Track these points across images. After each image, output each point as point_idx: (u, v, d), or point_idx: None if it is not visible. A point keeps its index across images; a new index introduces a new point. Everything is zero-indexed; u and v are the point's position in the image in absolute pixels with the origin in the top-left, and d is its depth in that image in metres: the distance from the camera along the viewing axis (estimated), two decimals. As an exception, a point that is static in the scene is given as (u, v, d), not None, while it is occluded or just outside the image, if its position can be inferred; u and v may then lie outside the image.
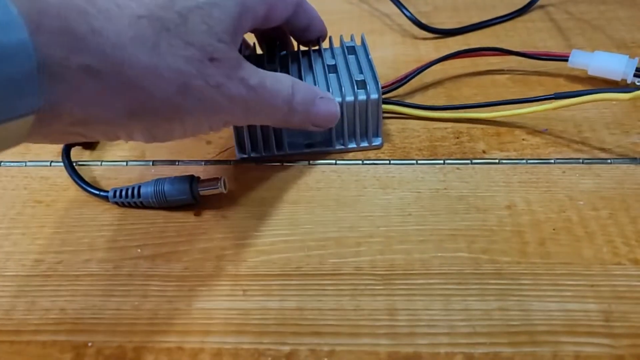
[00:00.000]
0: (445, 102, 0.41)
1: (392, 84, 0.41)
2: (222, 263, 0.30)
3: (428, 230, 0.31)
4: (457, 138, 0.37)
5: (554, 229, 0.31)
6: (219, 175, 0.33)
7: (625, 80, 0.39)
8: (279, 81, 0.30)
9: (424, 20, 0.48)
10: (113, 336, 0.27)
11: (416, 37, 0.48)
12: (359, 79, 0.35)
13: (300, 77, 0.35)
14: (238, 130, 0.35)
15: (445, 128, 0.38)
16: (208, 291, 0.29)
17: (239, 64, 0.27)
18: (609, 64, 0.40)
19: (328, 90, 0.34)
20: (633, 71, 0.39)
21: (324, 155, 0.36)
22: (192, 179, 0.33)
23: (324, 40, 0.37)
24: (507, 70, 0.43)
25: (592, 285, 0.28)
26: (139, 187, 0.33)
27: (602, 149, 0.36)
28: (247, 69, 0.28)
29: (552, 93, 0.36)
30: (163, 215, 0.33)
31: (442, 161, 0.36)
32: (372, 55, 0.37)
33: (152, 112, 0.25)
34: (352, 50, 0.38)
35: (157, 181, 0.33)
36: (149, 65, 0.24)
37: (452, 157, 0.36)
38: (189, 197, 0.33)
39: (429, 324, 0.27)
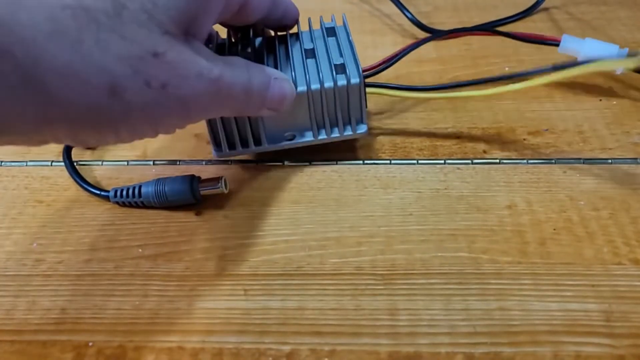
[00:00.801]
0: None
1: (376, 66, 0.38)
2: (223, 263, 0.30)
3: (429, 230, 0.31)
4: (458, 138, 0.37)
5: (554, 229, 0.31)
6: (220, 175, 0.33)
7: (615, 70, 0.39)
8: (236, 68, 0.27)
9: (424, 21, 0.48)
10: (114, 336, 0.27)
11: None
12: (337, 63, 0.32)
13: (276, 66, 0.33)
14: (212, 126, 0.33)
15: (446, 128, 0.38)
16: (209, 291, 0.29)
17: (194, 58, 0.24)
18: (600, 52, 0.39)
19: (306, 77, 0.32)
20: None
21: (320, 153, 0.36)
22: (192, 179, 0.33)
23: (295, 24, 0.35)
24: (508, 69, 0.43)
25: (593, 285, 0.28)
26: (140, 187, 0.33)
27: (603, 149, 0.36)
28: (205, 61, 0.24)
29: (550, 65, 0.32)
30: (164, 215, 0.33)
31: (442, 161, 0.36)
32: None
33: (74, 120, 0.22)
34: (332, 32, 0.36)
35: (158, 181, 0.33)
36: (69, 66, 0.20)
37: (452, 157, 0.36)
38: (190, 197, 0.33)
39: (430, 324, 0.27)
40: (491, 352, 0.26)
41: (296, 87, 0.32)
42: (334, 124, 0.34)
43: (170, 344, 0.27)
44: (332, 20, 0.37)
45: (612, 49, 0.39)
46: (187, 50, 0.24)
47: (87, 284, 0.30)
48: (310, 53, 0.34)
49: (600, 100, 0.40)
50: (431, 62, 0.45)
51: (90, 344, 0.27)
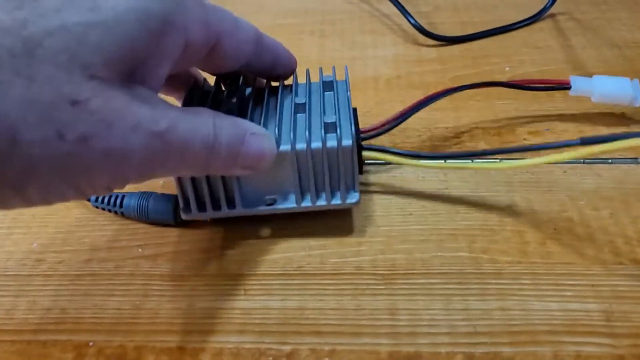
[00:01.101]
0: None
1: (379, 126, 0.34)
2: (223, 263, 0.30)
3: (429, 229, 0.31)
4: (459, 138, 0.37)
5: (554, 229, 0.31)
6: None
7: (633, 104, 0.37)
8: (198, 119, 0.23)
9: (424, 21, 0.48)
10: (114, 336, 0.27)
11: (417, 41, 0.48)
12: (329, 121, 0.29)
13: (261, 119, 0.29)
14: (180, 182, 0.29)
15: (447, 128, 0.38)
16: (209, 291, 0.29)
17: (131, 106, 0.20)
18: (613, 89, 0.37)
19: (291, 134, 0.29)
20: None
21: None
22: (177, 201, 0.31)
23: (291, 74, 0.32)
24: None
25: (593, 285, 0.28)
26: (123, 197, 0.32)
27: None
28: (150, 110, 0.21)
29: (578, 138, 0.28)
30: (164, 215, 0.33)
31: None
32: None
33: None
34: (330, 86, 0.32)
35: (143, 195, 0.32)
36: None
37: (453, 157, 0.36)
38: (170, 219, 0.32)
39: (430, 324, 0.27)
40: (491, 352, 0.26)
41: (278, 145, 0.28)
42: (321, 190, 0.30)
43: (171, 344, 0.27)
44: (332, 73, 0.33)
45: (623, 83, 0.38)
46: (123, 97, 0.20)
47: (87, 284, 0.30)
48: (302, 108, 0.30)
49: (601, 100, 0.40)
50: (431, 62, 0.45)
51: (91, 343, 0.27)
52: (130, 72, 0.21)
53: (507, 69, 0.44)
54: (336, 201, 0.30)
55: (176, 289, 0.29)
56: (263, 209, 0.30)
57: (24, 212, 0.34)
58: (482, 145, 0.37)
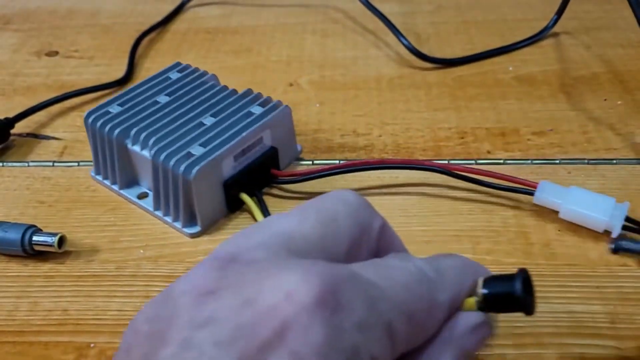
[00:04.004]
0: (449, 102, 0.40)
1: (300, 173, 0.33)
2: (225, 264, 0.30)
3: (432, 231, 0.31)
4: (462, 138, 0.37)
5: (559, 230, 0.31)
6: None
7: (610, 231, 0.29)
8: None
9: (426, 20, 0.48)
10: (116, 337, 0.27)
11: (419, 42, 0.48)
12: (192, 151, 0.31)
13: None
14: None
15: (450, 128, 0.38)
16: (211, 292, 0.29)
17: None
18: (589, 208, 0.30)
19: (161, 144, 0.31)
20: (621, 221, 0.29)
21: (321, 153, 0.34)
22: (27, 230, 0.30)
23: None
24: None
25: (598, 287, 0.28)
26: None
27: (608, 149, 0.36)
28: None
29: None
30: (166, 216, 0.33)
31: (446, 161, 0.35)
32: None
33: None
34: (269, 107, 0.34)
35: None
36: None
37: (456, 158, 0.36)
38: (20, 250, 0.30)
39: (434, 326, 0.27)
40: (496, 354, 0.26)
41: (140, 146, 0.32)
42: (169, 206, 0.32)
43: (173, 346, 0.27)
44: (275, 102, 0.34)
45: (607, 203, 0.30)
46: None
47: (89, 285, 0.30)
48: (220, 120, 0.33)
49: (605, 100, 0.40)
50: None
51: (92, 345, 0.27)
52: None
53: (511, 68, 0.43)
54: (177, 224, 0.32)
55: (178, 290, 0.29)
56: (134, 200, 0.34)
57: (25, 212, 0.34)
58: (486, 146, 0.36)
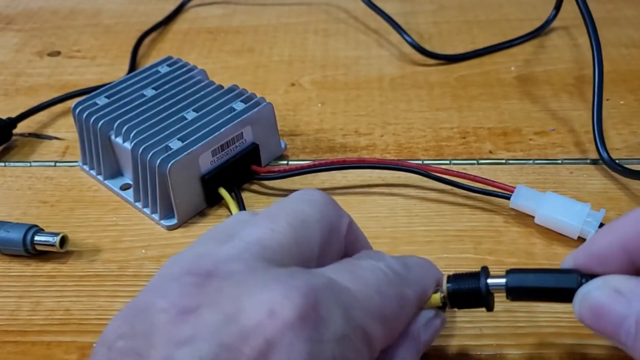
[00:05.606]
0: (451, 101, 0.40)
1: (283, 170, 0.34)
2: (227, 264, 0.30)
3: (434, 231, 0.31)
4: (464, 138, 0.37)
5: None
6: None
7: (584, 237, 0.30)
8: None
9: (429, 20, 0.48)
10: (118, 337, 0.27)
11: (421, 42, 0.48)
12: (170, 144, 0.31)
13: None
14: None
15: (452, 128, 0.38)
16: (213, 292, 0.29)
17: None
18: (563, 213, 0.30)
19: (141, 137, 0.32)
20: (595, 229, 0.29)
21: (322, 152, 0.34)
22: (29, 230, 0.30)
23: None
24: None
25: (600, 287, 0.28)
26: None
27: (610, 149, 0.35)
28: None
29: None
30: (168, 216, 0.33)
31: (448, 161, 0.35)
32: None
33: None
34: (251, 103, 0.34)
35: None
36: None
37: (458, 157, 0.36)
38: (22, 250, 0.30)
39: (435, 326, 0.27)
40: (497, 354, 0.26)
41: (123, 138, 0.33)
42: (148, 198, 0.32)
43: (175, 346, 0.27)
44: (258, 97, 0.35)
45: (582, 210, 0.30)
46: None
47: (91, 285, 0.30)
48: (201, 115, 0.33)
49: (608, 100, 0.40)
50: (436, 61, 0.45)
51: (95, 345, 0.27)
52: None
53: (513, 68, 0.43)
54: (155, 216, 0.32)
55: (180, 290, 0.29)
56: (117, 190, 0.34)
57: (27, 212, 0.34)
58: (488, 146, 0.36)
